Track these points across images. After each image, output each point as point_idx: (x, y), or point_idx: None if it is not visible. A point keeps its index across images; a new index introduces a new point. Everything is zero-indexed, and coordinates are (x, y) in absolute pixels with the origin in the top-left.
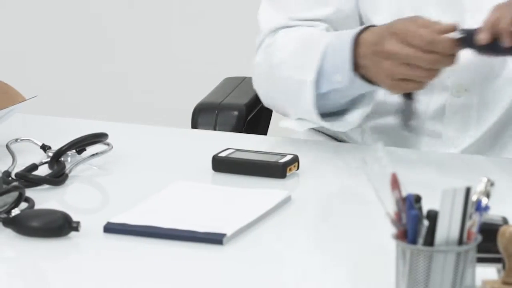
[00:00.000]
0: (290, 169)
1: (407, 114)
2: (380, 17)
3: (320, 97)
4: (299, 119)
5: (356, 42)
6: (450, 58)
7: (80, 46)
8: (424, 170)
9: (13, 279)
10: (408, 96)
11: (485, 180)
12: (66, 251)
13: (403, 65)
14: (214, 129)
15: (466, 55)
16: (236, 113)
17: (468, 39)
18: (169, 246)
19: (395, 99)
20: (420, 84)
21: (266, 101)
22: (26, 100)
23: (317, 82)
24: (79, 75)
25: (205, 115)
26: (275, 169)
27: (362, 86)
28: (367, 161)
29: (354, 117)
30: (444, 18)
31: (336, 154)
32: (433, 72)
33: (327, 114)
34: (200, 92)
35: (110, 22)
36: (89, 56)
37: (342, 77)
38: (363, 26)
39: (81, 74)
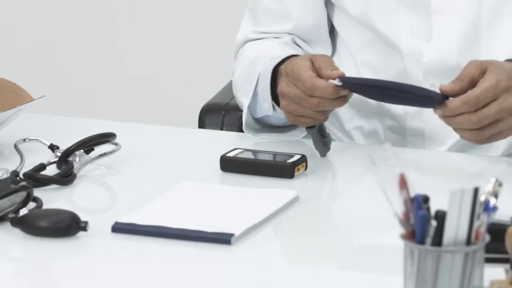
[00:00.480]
0: (298, 169)
1: (317, 143)
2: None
3: (260, 118)
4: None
5: (277, 71)
6: (336, 101)
7: (88, 46)
8: (429, 170)
9: (21, 278)
10: (312, 128)
11: (493, 180)
12: (74, 251)
13: (296, 104)
14: (221, 129)
15: (436, 49)
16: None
17: (351, 87)
18: (177, 246)
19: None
20: (314, 120)
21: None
22: (34, 100)
23: (253, 107)
24: (87, 75)
25: (212, 116)
26: (283, 169)
27: (282, 116)
28: (375, 161)
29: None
30: (411, 18)
31: (343, 154)
32: (321, 112)
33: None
34: (207, 93)
35: (118, 21)
36: (97, 56)
37: (268, 105)
38: (286, 55)
39: (89, 74)
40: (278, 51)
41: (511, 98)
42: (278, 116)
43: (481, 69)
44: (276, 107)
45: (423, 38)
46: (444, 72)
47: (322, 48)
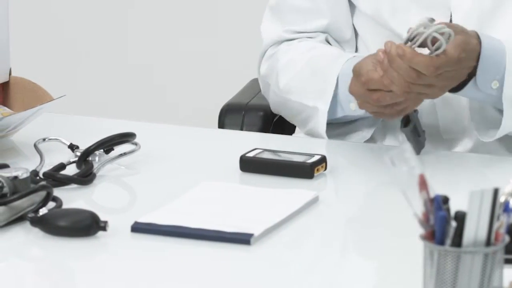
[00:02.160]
0: (317, 170)
1: (411, 142)
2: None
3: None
4: (308, 134)
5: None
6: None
7: (108, 46)
8: (451, 170)
9: (41, 278)
10: (406, 127)
11: None
12: (94, 251)
13: (364, 102)
14: (241, 129)
15: None
16: (262, 113)
17: None
18: (196, 246)
19: None
20: (394, 113)
21: (274, 111)
22: (54, 99)
23: (331, 109)
24: (107, 75)
25: (232, 116)
26: (303, 170)
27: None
28: (394, 162)
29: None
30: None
31: (363, 154)
32: (388, 107)
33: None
34: (227, 93)
35: (137, 21)
36: (117, 56)
37: (355, 106)
38: (359, 55)
39: (110, 74)
40: (335, 50)
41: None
42: (364, 114)
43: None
44: None
45: None
46: None
47: (350, 47)
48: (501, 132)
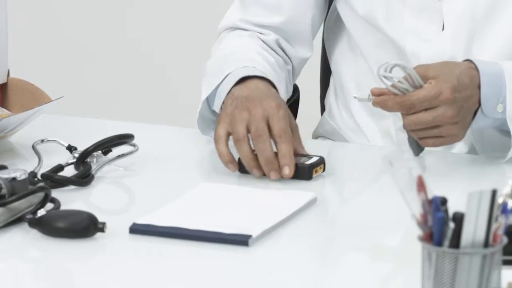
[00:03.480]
0: (316, 171)
1: (411, 142)
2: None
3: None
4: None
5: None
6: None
7: (106, 48)
8: (449, 171)
9: (39, 280)
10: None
11: (511, 182)
12: (92, 252)
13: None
14: None
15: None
16: None
17: None
18: (194, 247)
19: None
20: None
21: None
22: (52, 101)
23: (211, 98)
24: (105, 76)
25: None
26: (301, 171)
27: None
28: (393, 163)
29: None
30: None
31: (361, 155)
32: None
33: None
34: None
35: (136, 22)
36: (115, 57)
37: (218, 104)
38: (258, 73)
39: (108, 75)
40: (254, 55)
41: (450, 110)
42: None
43: (423, 77)
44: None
45: (426, 41)
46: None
47: (305, 49)
48: (511, 154)
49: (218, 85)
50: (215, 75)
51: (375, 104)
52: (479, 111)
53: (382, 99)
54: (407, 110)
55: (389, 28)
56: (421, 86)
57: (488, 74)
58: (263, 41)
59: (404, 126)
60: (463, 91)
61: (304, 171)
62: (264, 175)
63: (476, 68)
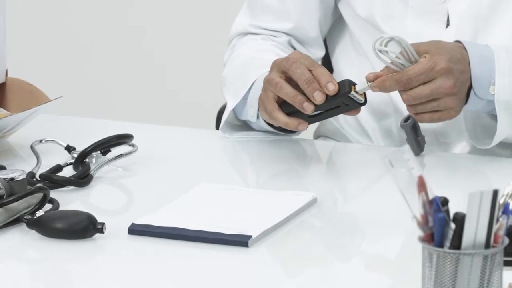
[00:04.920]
0: (354, 87)
1: (411, 141)
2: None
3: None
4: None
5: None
6: None
7: (105, 48)
8: (450, 171)
9: (38, 281)
10: (406, 122)
11: None
12: (91, 253)
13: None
14: None
15: None
16: None
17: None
18: (194, 248)
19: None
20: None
21: None
22: (51, 100)
23: (239, 108)
24: (104, 76)
25: None
26: (341, 85)
27: (266, 126)
28: (393, 164)
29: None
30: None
31: (362, 156)
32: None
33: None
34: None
35: (135, 22)
36: (114, 57)
37: (253, 112)
38: None
39: (106, 75)
40: (274, 57)
41: (448, 81)
42: (260, 124)
43: (418, 53)
44: (260, 118)
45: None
46: None
47: (316, 50)
48: (497, 138)
49: (246, 93)
50: (239, 84)
51: (374, 88)
52: (472, 93)
53: (380, 80)
54: (405, 86)
55: (389, 29)
56: (416, 61)
57: (478, 56)
58: (276, 42)
59: (403, 101)
60: (457, 64)
61: (344, 85)
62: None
63: (465, 49)
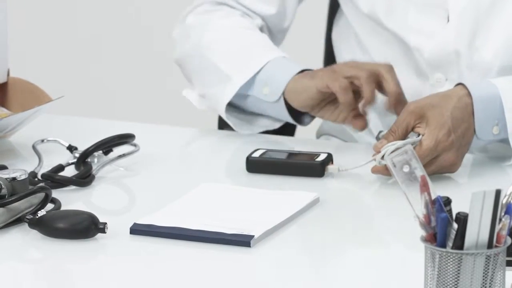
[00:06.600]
0: (327, 169)
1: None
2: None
3: (239, 96)
4: (202, 97)
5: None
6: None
7: (107, 47)
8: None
9: (39, 281)
10: None
11: None
12: (93, 253)
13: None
14: None
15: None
16: None
17: None
18: (196, 247)
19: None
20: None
21: (178, 61)
22: (52, 100)
23: (246, 85)
24: (106, 75)
25: None
26: (313, 168)
27: (281, 110)
28: (395, 164)
29: (264, 123)
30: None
31: (363, 155)
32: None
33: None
34: None
35: (135, 22)
36: (115, 57)
37: (269, 92)
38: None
39: (108, 75)
40: (271, 42)
41: (450, 155)
42: (277, 108)
43: (417, 116)
44: (280, 99)
45: (429, 35)
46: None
47: (277, 42)
48: None
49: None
50: (245, 59)
51: (375, 173)
52: (474, 137)
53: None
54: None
55: (391, 24)
56: (418, 135)
57: (482, 100)
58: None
59: None
60: (458, 128)
61: (316, 168)
62: None
63: (469, 94)
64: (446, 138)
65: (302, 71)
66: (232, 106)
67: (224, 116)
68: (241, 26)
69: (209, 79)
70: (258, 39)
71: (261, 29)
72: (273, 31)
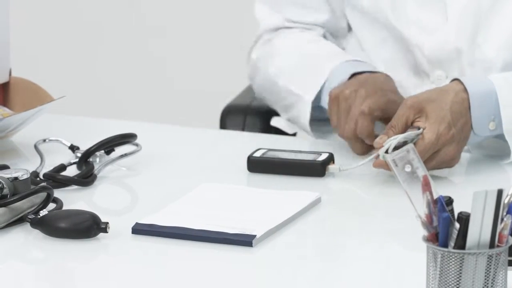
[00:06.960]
0: (328, 169)
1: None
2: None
3: (316, 108)
4: (289, 121)
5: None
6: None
7: (108, 47)
8: (454, 171)
9: (41, 280)
10: None
11: None
12: (94, 253)
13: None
14: (243, 131)
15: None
16: (264, 115)
17: None
18: (198, 247)
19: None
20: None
21: (258, 96)
22: (54, 100)
23: (318, 97)
24: (108, 75)
25: (234, 117)
26: (314, 168)
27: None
28: (397, 163)
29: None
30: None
31: (368, 155)
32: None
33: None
34: (229, 94)
35: (137, 22)
36: (117, 56)
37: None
38: (367, 69)
39: (110, 75)
40: (334, 48)
41: (450, 149)
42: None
43: (416, 110)
44: None
45: (429, 32)
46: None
47: (344, 42)
48: None
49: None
50: (311, 75)
51: (377, 167)
52: (471, 132)
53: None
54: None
55: (394, 19)
56: (418, 128)
57: (478, 97)
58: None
59: None
60: (457, 122)
61: (317, 168)
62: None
63: (465, 90)
64: (447, 131)
65: (355, 74)
66: (317, 120)
67: (312, 135)
68: (304, 41)
69: (286, 104)
70: (320, 49)
71: (324, 37)
72: (336, 34)
